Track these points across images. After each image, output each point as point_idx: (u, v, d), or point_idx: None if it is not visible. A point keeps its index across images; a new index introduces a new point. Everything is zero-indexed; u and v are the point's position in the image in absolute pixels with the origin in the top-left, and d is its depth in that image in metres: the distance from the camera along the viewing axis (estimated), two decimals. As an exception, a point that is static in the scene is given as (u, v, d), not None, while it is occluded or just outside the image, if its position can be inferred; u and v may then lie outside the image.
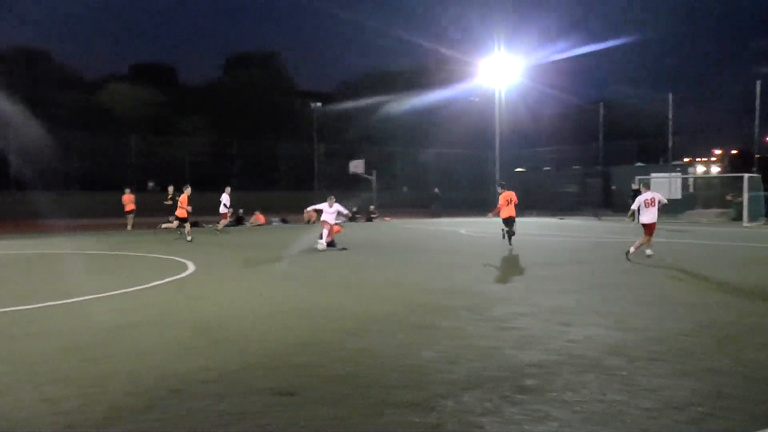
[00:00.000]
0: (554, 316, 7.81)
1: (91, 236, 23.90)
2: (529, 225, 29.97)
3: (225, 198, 25.42)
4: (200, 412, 4.51)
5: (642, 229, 14.85)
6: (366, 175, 40.65)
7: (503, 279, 11.44)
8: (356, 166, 40.33)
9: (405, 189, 49.84)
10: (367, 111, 70.66)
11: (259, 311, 8.28)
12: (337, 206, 17.67)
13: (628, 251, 14.40)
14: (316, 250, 16.63)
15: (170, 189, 24.52)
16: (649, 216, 14.67)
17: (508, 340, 6.56)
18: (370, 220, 37.89)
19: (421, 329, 7.06)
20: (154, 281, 11.03)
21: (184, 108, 65.30)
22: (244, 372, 5.45)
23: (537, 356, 5.90)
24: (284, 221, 36.25)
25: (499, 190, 18.18)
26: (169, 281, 11.17)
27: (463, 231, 24.93)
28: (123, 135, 43.85)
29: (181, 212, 21.32)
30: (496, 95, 44.05)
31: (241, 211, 34.66)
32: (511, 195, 17.52)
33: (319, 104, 45.84)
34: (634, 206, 15.18)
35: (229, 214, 26.33)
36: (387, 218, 39.02)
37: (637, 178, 36.01)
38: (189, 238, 20.95)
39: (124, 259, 15.34)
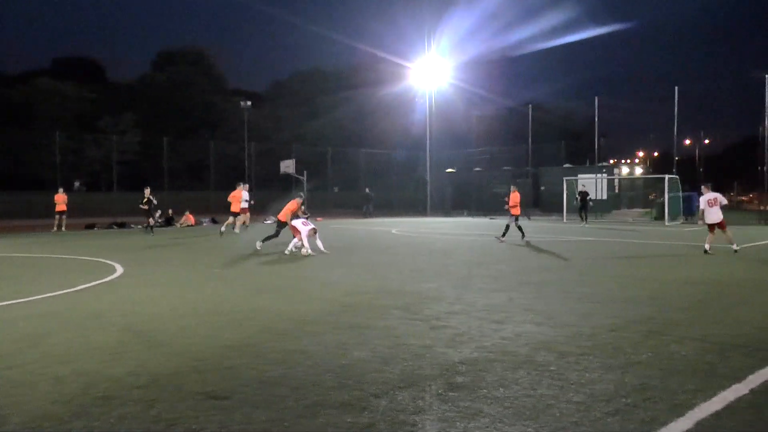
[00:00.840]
0: (487, 314, 7.92)
1: (13, 238, 23.00)
2: (461, 225, 30.36)
3: (245, 195, 25.56)
4: (131, 418, 4.39)
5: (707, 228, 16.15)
6: (297, 176, 40.38)
7: (436, 278, 11.54)
8: (287, 166, 40.03)
9: (336, 189, 49.78)
10: (298, 111, 70.35)
11: (190, 314, 8.12)
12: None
13: (705, 249, 15.96)
14: (257, 252, 16.37)
15: (147, 191, 23.25)
16: (712, 215, 15.95)
17: (442, 338, 6.62)
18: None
19: (354, 329, 7.06)
20: (81, 284, 10.69)
21: (112, 105, 63.48)
22: (175, 376, 5.33)
23: (470, 354, 5.97)
24: (214, 221, 35.68)
25: (512, 189, 20.27)
26: (96, 284, 10.84)
27: (394, 231, 25.06)
28: (46, 132, 42.33)
29: (235, 207, 23.10)
30: (427, 96, 44.41)
31: (170, 211, 33.96)
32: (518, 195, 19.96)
33: (249, 103, 45.17)
34: (702, 206, 16.22)
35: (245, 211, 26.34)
36: (319, 218, 38.86)
37: (579, 180, 36.87)
38: (237, 230, 22.22)
39: (50, 262, 14.82)
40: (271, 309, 8.39)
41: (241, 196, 23.75)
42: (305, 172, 40.55)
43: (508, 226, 20.13)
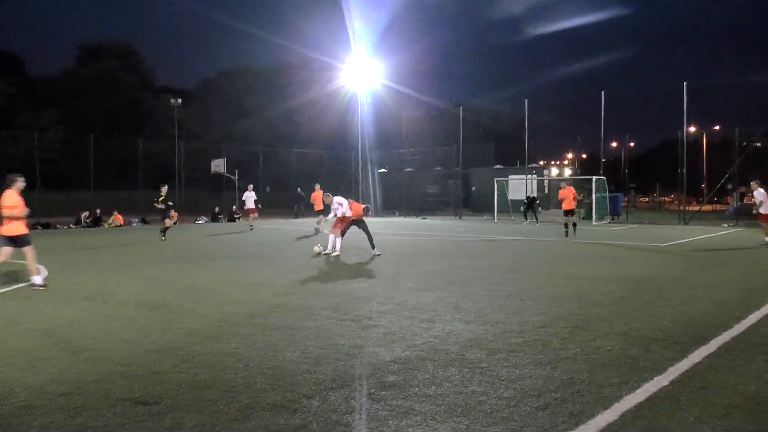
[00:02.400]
0: (417, 313, 7.96)
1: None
2: (391, 225, 30.51)
3: (252, 195, 27.95)
4: (55, 427, 4.21)
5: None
6: (228, 175, 39.81)
7: (366, 277, 11.53)
8: (218, 165, 39.42)
9: (268, 189, 49.26)
10: (228, 109, 69.34)
11: (116, 318, 7.88)
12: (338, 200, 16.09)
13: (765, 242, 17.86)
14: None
15: (164, 189, 21.86)
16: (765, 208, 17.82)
17: (373, 338, 6.62)
18: (232, 220, 37.18)
19: (284, 330, 6.99)
20: (1, 288, 10.26)
21: (33, 100, 61.00)
22: (101, 382, 5.15)
23: (401, 353, 5.99)
24: (144, 222, 34.84)
25: (562, 185, 21.69)
26: (15, 288, 10.42)
27: (326, 231, 24.94)
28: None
29: (318, 205, 23.47)
30: (359, 96, 44.41)
31: (98, 211, 32.97)
32: (571, 190, 21.32)
33: (179, 101, 44.23)
34: (762, 199, 17.84)
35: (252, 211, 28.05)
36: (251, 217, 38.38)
37: (507, 181, 37.37)
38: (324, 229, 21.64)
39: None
40: (198, 311, 8.22)
41: (321, 196, 22.53)
42: (237, 171, 40.00)
43: (570, 225, 21.31)
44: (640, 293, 9.56)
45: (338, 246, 15.82)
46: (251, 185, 29.23)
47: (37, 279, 10.41)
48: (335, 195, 16.64)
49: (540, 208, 35.28)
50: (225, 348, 6.23)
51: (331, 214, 16.51)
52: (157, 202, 21.22)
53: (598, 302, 8.71)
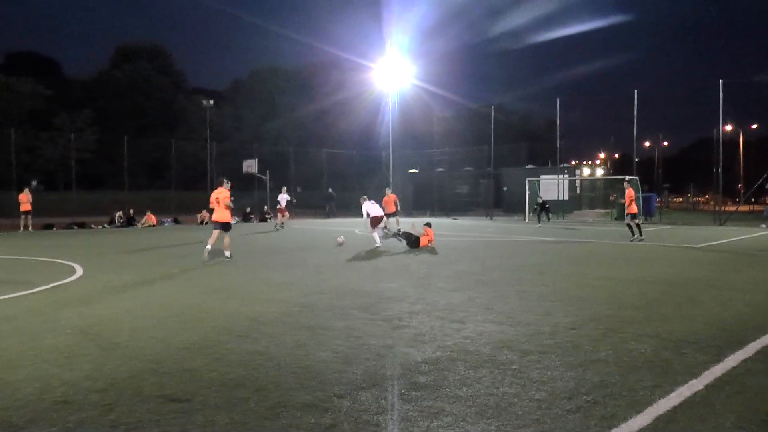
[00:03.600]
0: (448, 313, 7.94)
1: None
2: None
3: (285, 196, 29.29)
4: (89, 422, 4.29)
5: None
6: (260, 175, 40.11)
7: (396, 278, 11.53)
8: (249, 165, 39.74)
9: (299, 189, 49.53)
10: (259, 110, 69.78)
11: (148, 316, 7.97)
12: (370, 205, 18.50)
13: None
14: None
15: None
16: None
17: (403, 338, 6.61)
18: (264, 220, 37.47)
19: (315, 330, 7.01)
20: (39, 286, 10.45)
21: (69, 102, 62.04)
22: (134, 379, 5.23)
23: (431, 353, 5.98)
24: (176, 221, 35.27)
25: (625, 186, 21.40)
26: (54, 286, 10.61)
27: (357, 231, 25.01)
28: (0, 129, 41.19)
29: (390, 208, 23.74)
30: (390, 96, 44.42)
31: (131, 211, 33.45)
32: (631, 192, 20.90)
33: (211, 102, 44.72)
34: None
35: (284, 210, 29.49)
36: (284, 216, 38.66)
37: (539, 181, 37.21)
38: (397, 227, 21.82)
39: (7, 264, 14.44)
40: (228, 310, 8.28)
41: (392, 199, 24.33)
42: (267, 171, 40.28)
43: (629, 226, 20.88)
44: (673, 295, 9.43)
45: (377, 239, 17.93)
46: (285, 187, 30.14)
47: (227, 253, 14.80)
48: (367, 198, 18.94)
49: (550, 213, 35.31)
50: (255, 347, 6.28)
51: (365, 216, 18.63)
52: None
53: (630, 304, 8.61)
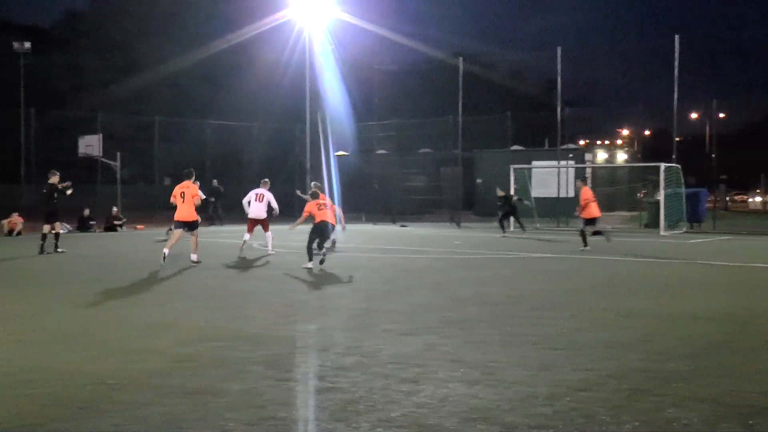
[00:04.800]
0: (395, 369, 7.93)
1: None
2: (355, 235, 30.40)
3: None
4: None
5: None
6: (106, 160, 39.53)
7: (319, 316, 11.50)
8: (90, 145, 39.07)
9: (167, 182, 48.97)
10: (107, 59, 68.56)
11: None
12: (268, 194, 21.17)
13: None
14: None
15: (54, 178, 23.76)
16: None
17: (327, 407, 6.58)
18: (113, 228, 36.91)
19: (195, 397, 6.92)
20: None
21: None
22: None
23: (369, 430, 5.95)
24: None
25: (578, 184, 24.15)
26: None
27: (256, 245, 24.87)
28: None
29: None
30: (306, 39, 44.27)
31: None
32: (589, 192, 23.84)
33: (27, 45, 43.63)
34: None
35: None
36: (140, 226, 38.20)
37: (530, 169, 37.42)
38: None
39: None
40: (65, 368, 8.11)
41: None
42: (119, 154, 39.70)
43: (582, 233, 23.43)
44: (738, 338, 9.61)
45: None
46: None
47: None
48: (260, 188, 21.88)
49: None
50: (100, 425, 6.16)
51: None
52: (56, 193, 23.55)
53: (673, 352, 8.74)
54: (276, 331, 10.18)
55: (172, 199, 19.27)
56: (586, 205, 23.11)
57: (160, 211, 41.54)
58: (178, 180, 20.54)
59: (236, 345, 9.26)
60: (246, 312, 11.90)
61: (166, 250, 18.05)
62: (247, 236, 22.26)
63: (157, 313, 11.76)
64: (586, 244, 23.13)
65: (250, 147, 50.92)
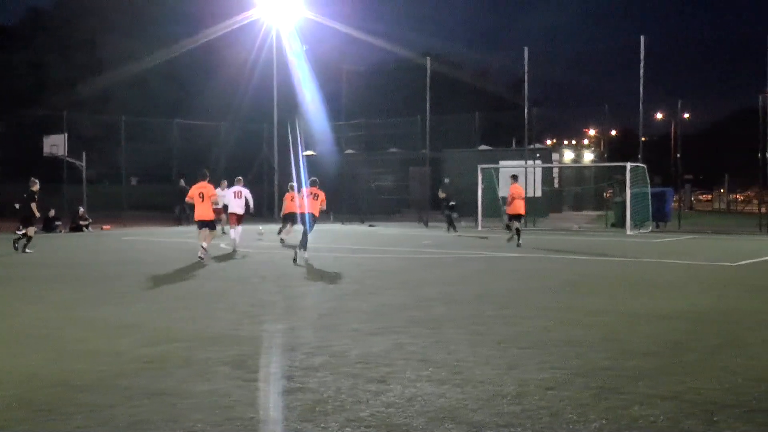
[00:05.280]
0: (363, 369, 7.93)
1: None
2: (323, 235, 30.39)
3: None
4: None
5: None
6: (71, 160, 39.26)
7: (286, 316, 11.48)
8: (55, 144, 38.79)
9: (135, 182, 48.73)
10: (72, 57, 68.05)
11: None
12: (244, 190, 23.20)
13: None
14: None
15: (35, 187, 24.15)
16: None
17: (296, 408, 6.56)
18: (78, 229, 36.67)
19: (160, 399, 6.88)
20: None
21: None
22: None
23: (338, 430, 5.94)
24: None
25: (512, 181, 25.31)
26: None
27: (223, 245, 24.81)
28: None
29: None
30: (273, 37, 44.14)
31: None
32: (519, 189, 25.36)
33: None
34: None
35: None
36: (106, 226, 37.95)
37: (497, 169, 37.49)
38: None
39: None
40: (26, 370, 8.03)
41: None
42: (84, 154, 39.45)
43: (508, 227, 24.78)
44: (702, 336, 9.69)
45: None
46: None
47: None
48: (237, 185, 23.44)
49: (456, 214, 35.44)
50: (64, 427, 6.11)
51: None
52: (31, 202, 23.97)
53: (637, 350, 8.79)
54: (243, 332, 10.16)
55: (187, 199, 21.32)
56: (512, 201, 24.31)
57: (127, 211, 41.34)
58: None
59: (203, 345, 9.22)
60: (213, 312, 11.87)
61: (204, 244, 19.72)
62: (232, 232, 23.84)
63: (123, 314, 11.70)
64: (512, 236, 24.46)
65: (217, 147, 50.69)
